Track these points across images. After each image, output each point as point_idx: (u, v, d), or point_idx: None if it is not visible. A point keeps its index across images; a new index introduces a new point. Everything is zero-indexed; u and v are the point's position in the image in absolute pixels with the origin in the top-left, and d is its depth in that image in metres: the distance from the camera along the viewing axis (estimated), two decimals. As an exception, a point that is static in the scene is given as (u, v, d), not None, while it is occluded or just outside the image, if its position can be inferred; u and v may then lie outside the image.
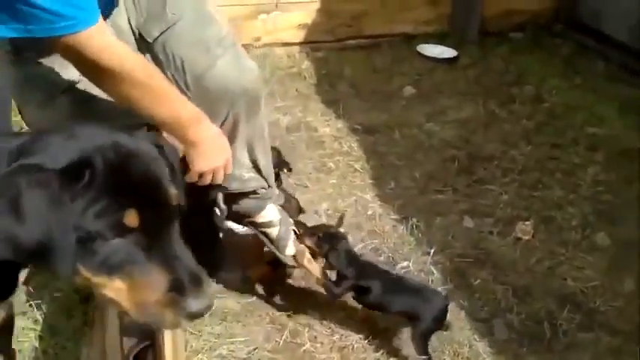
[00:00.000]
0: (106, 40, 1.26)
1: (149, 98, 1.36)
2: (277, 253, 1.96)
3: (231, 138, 1.67)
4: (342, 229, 2.33)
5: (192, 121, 1.45)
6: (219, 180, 1.61)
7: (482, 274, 2.19)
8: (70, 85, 1.39)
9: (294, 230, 2.01)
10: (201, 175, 1.57)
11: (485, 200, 2.58)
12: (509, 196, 2.59)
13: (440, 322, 1.84)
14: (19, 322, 1.84)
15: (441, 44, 3.81)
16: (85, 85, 1.41)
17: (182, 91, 1.54)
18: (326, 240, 1.89)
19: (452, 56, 3.72)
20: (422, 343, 1.79)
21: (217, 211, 1.89)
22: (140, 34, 1.57)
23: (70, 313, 1.92)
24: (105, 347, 1.75)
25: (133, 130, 1.41)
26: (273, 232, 1.96)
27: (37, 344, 1.81)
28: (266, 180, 1.88)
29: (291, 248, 1.98)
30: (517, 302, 2.09)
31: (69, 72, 1.39)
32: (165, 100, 1.40)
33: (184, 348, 1.80)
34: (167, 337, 1.07)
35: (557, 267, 2.24)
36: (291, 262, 1.98)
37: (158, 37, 1.56)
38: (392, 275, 1.93)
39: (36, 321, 1.87)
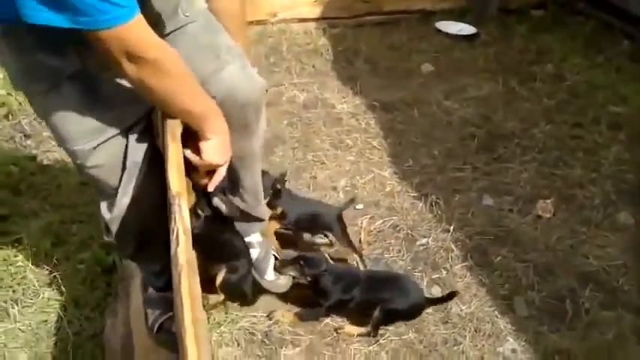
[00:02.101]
0: (145, 31, 1.27)
1: (179, 89, 1.38)
2: (257, 277, 1.93)
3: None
4: (358, 207, 2.36)
5: (211, 114, 1.47)
6: (219, 179, 1.60)
7: (503, 252, 2.18)
8: (74, 73, 1.39)
9: (274, 255, 1.99)
10: (207, 168, 1.56)
11: (505, 178, 2.55)
12: (530, 175, 2.56)
13: (413, 311, 1.87)
14: (45, 294, 1.87)
15: (460, 21, 3.75)
16: (89, 72, 1.41)
17: None
18: (309, 266, 1.83)
19: (471, 33, 3.66)
20: (379, 322, 1.83)
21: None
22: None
23: (93, 284, 1.93)
24: (129, 318, 1.76)
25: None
26: (253, 253, 1.92)
27: (62, 314, 1.82)
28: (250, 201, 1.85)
29: (270, 274, 1.95)
30: (538, 280, 2.07)
31: (69, 59, 1.38)
32: (191, 91, 1.42)
33: (207, 320, 1.81)
34: (186, 307, 1.06)
35: (579, 245, 2.22)
36: (270, 287, 1.95)
37: (169, 33, 1.56)
38: (367, 274, 1.94)
39: (61, 292, 1.89)
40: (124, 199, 1.52)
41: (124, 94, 1.44)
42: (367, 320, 1.85)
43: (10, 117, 2.84)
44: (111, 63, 1.28)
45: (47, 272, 1.92)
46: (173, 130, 1.46)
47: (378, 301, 1.83)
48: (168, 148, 1.41)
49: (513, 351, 1.85)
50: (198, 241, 1.62)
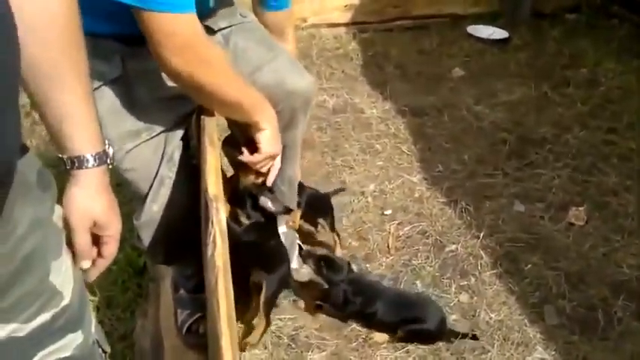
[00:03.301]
0: (199, 28, 1.32)
1: (226, 82, 1.41)
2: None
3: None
4: (386, 212, 2.35)
5: (261, 104, 1.50)
6: (274, 173, 1.64)
7: (534, 259, 2.15)
8: (115, 78, 1.43)
9: (298, 244, 2.02)
10: (266, 160, 1.59)
11: (537, 184, 2.52)
12: (562, 181, 2.52)
13: (442, 332, 1.84)
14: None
15: (491, 25, 3.72)
16: (129, 78, 1.45)
17: None
18: (328, 268, 1.85)
19: (503, 38, 3.62)
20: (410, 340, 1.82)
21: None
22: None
23: (125, 285, 1.97)
24: (159, 318, 1.79)
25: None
26: None
27: (94, 315, 1.86)
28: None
29: (295, 262, 1.97)
30: (569, 288, 2.04)
31: (114, 65, 1.42)
32: (239, 85, 1.46)
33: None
34: (222, 309, 1.08)
35: (612, 254, 2.17)
36: (293, 275, 1.97)
37: (224, 28, 1.62)
38: (394, 292, 1.94)
39: (94, 293, 1.93)
40: (154, 206, 1.55)
41: (158, 101, 1.48)
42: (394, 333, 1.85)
43: (29, 117, 2.88)
44: (159, 58, 1.30)
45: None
46: (211, 134, 1.49)
47: (403, 320, 1.82)
48: (206, 153, 1.44)
49: (543, 360, 1.83)
50: (243, 250, 1.68)
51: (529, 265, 2.13)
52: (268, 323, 1.79)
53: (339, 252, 2.13)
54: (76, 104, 0.89)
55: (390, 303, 1.86)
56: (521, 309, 1.98)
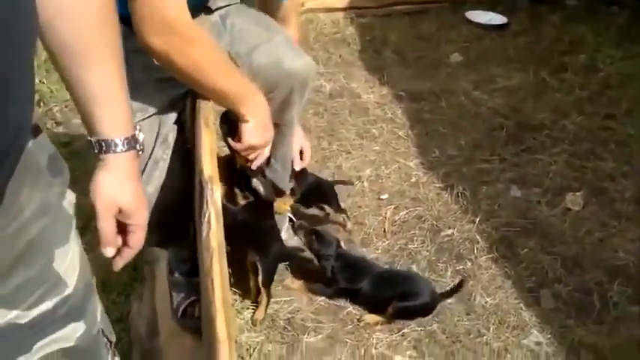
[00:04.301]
0: (184, 8, 1.31)
1: (209, 68, 1.40)
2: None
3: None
4: (383, 197, 2.35)
5: (247, 94, 1.48)
6: (260, 161, 1.64)
7: (530, 244, 2.15)
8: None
9: (289, 217, 2.01)
10: (248, 150, 1.58)
11: (534, 170, 2.51)
12: (559, 166, 2.52)
13: (426, 310, 1.85)
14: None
15: (490, 11, 3.69)
16: (127, 59, 1.43)
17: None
18: (318, 242, 1.86)
19: (501, 23, 3.60)
20: (392, 317, 1.83)
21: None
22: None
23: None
24: (154, 301, 1.79)
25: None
26: None
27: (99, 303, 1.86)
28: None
29: (284, 233, 1.98)
30: (565, 273, 2.04)
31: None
32: (224, 71, 1.44)
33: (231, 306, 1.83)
34: (217, 289, 1.08)
35: (608, 239, 2.17)
36: None
37: (222, 7, 1.60)
38: (381, 269, 1.94)
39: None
40: (148, 188, 1.54)
41: (153, 81, 1.46)
42: (383, 311, 1.85)
43: (42, 104, 2.89)
44: (141, 38, 1.29)
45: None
46: (206, 116, 1.48)
47: (390, 297, 1.82)
48: (201, 134, 1.43)
49: (538, 344, 1.82)
50: (238, 229, 1.68)
51: (525, 250, 2.12)
52: (269, 298, 1.81)
53: (349, 227, 2.16)
54: (107, 86, 0.87)
55: (376, 279, 1.86)
56: (517, 293, 1.98)
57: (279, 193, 1.82)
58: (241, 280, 1.88)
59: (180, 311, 1.77)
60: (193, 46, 1.35)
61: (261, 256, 1.76)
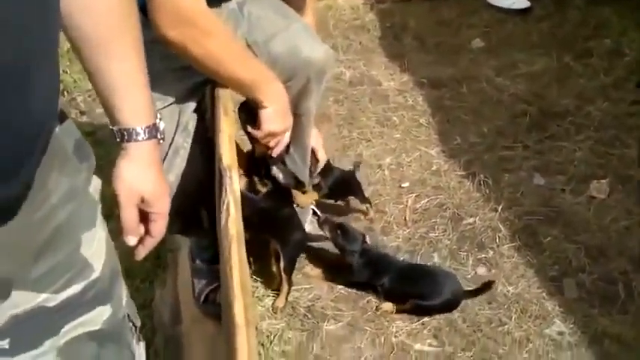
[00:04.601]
0: (201, 2, 1.33)
1: (225, 57, 1.41)
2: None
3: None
4: (404, 185, 2.34)
5: (265, 81, 1.48)
6: (280, 148, 1.64)
7: (553, 233, 2.12)
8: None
9: (313, 209, 2.02)
10: (268, 137, 1.58)
11: (558, 157, 2.47)
12: (584, 154, 2.47)
13: (448, 307, 1.83)
14: (95, 263, 1.93)
15: (512, -5, 3.62)
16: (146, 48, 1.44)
17: (251, 52, 1.55)
18: (343, 237, 1.86)
19: (524, 7, 3.52)
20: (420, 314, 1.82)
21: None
22: None
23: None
24: (177, 288, 1.81)
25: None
26: None
27: (125, 289, 1.89)
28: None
29: (308, 225, 1.98)
30: (589, 262, 2.01)
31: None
32: (240, 60, 1.45)
33: (252, 294, 1.84)
34: (235, 276, 1.08)
35: (634, 227, 2.13)
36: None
37: None
38: (403, 265, 1.93)
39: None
40: (169, 176, 1.55)
41: (172, 71, 1.47)
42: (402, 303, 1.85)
43: (66, 94, 2.92)
44: (156, 29, 1.30)
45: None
46: (225, 104, 1.49)
47: (409, 295, 1.82)
48: (220, 122, 1.43)
49: (560, 333, 1.81)
50: (259, 218, 1.70)
51: (548, 238, 2.10)
52: (290, 285, 1.82)
53: (371, 215, 2.16)
54: (128, 75, 0.88)
55: (397, 277, 1.85)
56: (540, 282, 1.96)
57: (300, 184, 1.83)
58: (262, 267, 1.89)
59: (202, 298, 1.79)
60: (209, 37, 1.35)
61: (282, 244, 1.76)
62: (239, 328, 0.97)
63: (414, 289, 1.82)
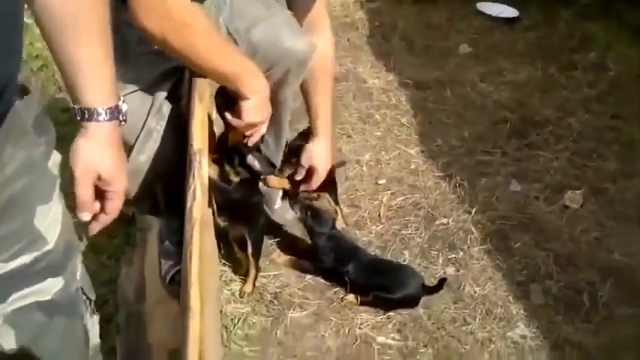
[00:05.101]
0: None
1: (205, 48, 1.40)
2: (265, 207, 1.95)
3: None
4: (380, 182, 2.34)
5: (245, 73, 1.48)
6: (258, 137, 1.63)
7: (524, 238, 2.14)
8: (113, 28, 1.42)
9: (283, 189, 2.02)
10: (247, 127, 1.58)
11: (535, 165, 2.49)
12: (561, 164, 2.49)
13: (408, 302, 1.84)
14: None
15: (502, 3, 3.65)
16: (122, 29, 1.42)
17: (231, 40, 1.55)
18: (313, 218, 1.87)
19: (512, 16, 3.55)
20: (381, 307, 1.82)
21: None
22: None
23: (112, 233, 1.96)
24: (144, 267, 1.80)
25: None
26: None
27: (80, 262, 1.86)
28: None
29: (278, 203, 2.01)
30: (557, 270, 2.03)
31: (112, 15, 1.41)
32: (220, 51, 1.44)
33: (219, 277, 1.83)
34: (194, 260, 1.07)
35: (605, 239, 2.15)
36: (277, 218, 2.00)
37: None
38: (370, 257, 1.93)
39: (81, 238, 1.92)
40: (139, 157, 1.54)
41: (148, 53, 1.47)
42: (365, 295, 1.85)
43: (45, 69, 2.88)
44: (135, 20, 1.29)
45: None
46: (201, 90, 1.49)
47: (373, 287, 1.82)
48: (194, 107, 1.43)
49: (523, 337, 1.82)
50: (232, 206, 1.69)
51: (519, 244, 2.11)
52: (257, 270, 1.82)
53: (340, 224, 2.10)
54: (92, 56, 0.88)
55: (362, 266, 1.86)
56: (507, 286, 1.97)
57: (273, 168, 1.82)
58: (231, 252, 1.88)
59: (167, 278, 1.78)
60: (188, 29, 1.35)
61: (249, 229, 1.76)
62: (193, 313, 0.96)
63: (376, 280, 1.83)
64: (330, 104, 1.91)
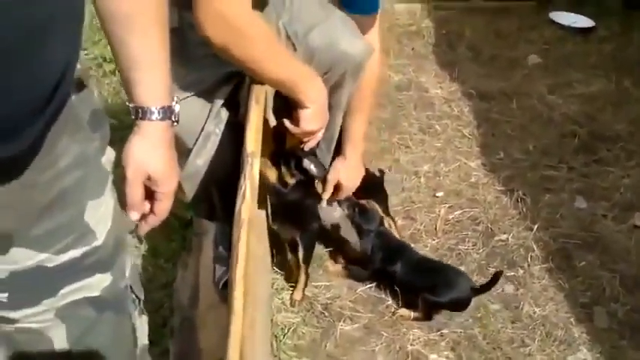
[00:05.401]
0: (244, 7, 1.34)
1: (265, 58, 1.42)
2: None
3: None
4: (438, 194, 2.29)
5: (304, 82, 1.48)
6: (314, 142, 1.64)
7: (589, 258, 2.04)
8: (172, 29, 1.45)
9: None
10: (305, 135, 1.59)
11: (604, 182, 2.38)
12: (632, 181, 2.37)
13: (457, 305, 1.79)
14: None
15: (578, 13, 3.51)
16: (184, 31, 1.46)
17: (289, 44, 1.56)
18: (361, 215, 1.86)
19: (587, 26, 3.42)
20: (425, 312, 1.79)
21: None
22: None
23: (170, 237, 2.02)
24: (198, 272, 1.84)
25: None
26: None
27: (138, 262, 1.93)
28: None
29: (324, 201, 1.95)
30: (624, 292, 1.92)
31: (171, 17, 1.44)
32: (279, 61, 1.45)
33: (271, 285, 1.85)
34: (240, 262, 1.08)
35: (677, 262, 2.03)
36: (322, 214, 1.93)
37: None
38: (418, 256, 1.89)
39: (140, 241, 2.00)
40: (198, 160, 1.58)
41: (210, 56, 1.48)
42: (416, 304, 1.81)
43: (118, 73, 3.00)
44: (199, 29, 1.33)
45: (130, 221, 2.04)
46: (257, 94, 1.51)
47: (420, 288, 1.78)
48: (250, 111, 1.45)
49: (585, 362, 1.74)
50: (287, 208, 1.71)
51: (583, 263, 2.02)
52: (307, 277, 1.82)
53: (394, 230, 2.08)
54: (148, 53, 0.89)
55: (411, 264, 1.83)
56: (569, 307, 1.88)
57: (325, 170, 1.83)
58: (284, 260, 1.90)
59: (220, 284, 1.80)
60: (252, 43, 1.37)
61: (301, 232, 1.77)
62: (235, 315, 0.97)
63: (427, 279, 1.79)
64: (365, 120, 1.87)
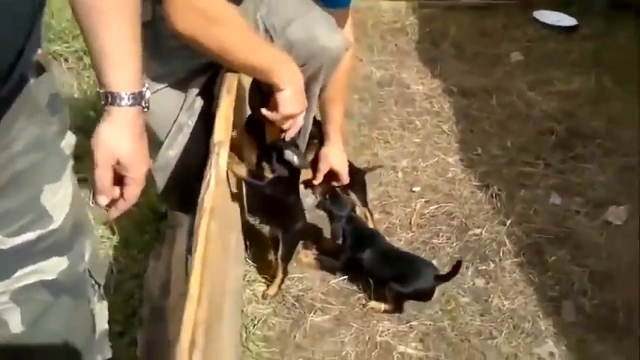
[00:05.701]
0: None
1: (234, 43, 1.43)
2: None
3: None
4: (415, 189, 2.31)
5: (278, 65, 1.48)
6: (295, 130, 1.63)
7: (560, 253, 2.07)
8: (145, 23, 1.47)
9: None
10: (285, 120, 1.59)
11: (579, 179, 2.40)
12: (607, 178, 2.40)
13: (422, 294, 1.82)
14: (99, 231, 2.00)
15: (562, 12, 3.53)
16: (156, 24, 1.47)
17: (267, 36, 1.57)
18: (332, 202, 1.88)
19: (570, 25, 3.44)
20: (394, 302, 1.81)
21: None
22: None
23: (143, 228, 2.03)
24: (170, 263, 1.84)
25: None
26: None
27: (110, 253, 1.95)
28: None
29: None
30: (593, 287, 1.95)
31: (145, 10, 1.45)
32: (250, 45, 1.47)
33: (242, 276, 1.87)
34: (199, 250, 1.08)
35: (647, 258, 2.05)
36: None
37: None
38: (388, 246, 1.91)
39: (113, 232, 2.01)
40: (169, 152, 1.59)
41: (183, 48, 1.50)
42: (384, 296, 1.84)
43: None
44: (168, 21, 1.34)
45: (104, 212, 2.04)
46: (230, 84, 1.50)
47: (387, 277, 1.80)
48: (221, 100, 1.45)
49: (551, 354, 1.76)
50: (266, 203, 1.71)
51: (553, 258, 2.04)
52: (285, 274, 1.83)
53: (370, 223, 2.11)
54: (119, 42, 0.90)
55: (379, 253, 1.85)
56: (538, 301, 1.91)
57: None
58: (258, 253, 1.91)
59: (192, 275, 1.82)
60: (219, 26, 1.38)
61: (283, 230, 1.77)
62: (190, 300, 0.97)
63: (392, 270, 1.81)
64: (342, 108, 1.91)
